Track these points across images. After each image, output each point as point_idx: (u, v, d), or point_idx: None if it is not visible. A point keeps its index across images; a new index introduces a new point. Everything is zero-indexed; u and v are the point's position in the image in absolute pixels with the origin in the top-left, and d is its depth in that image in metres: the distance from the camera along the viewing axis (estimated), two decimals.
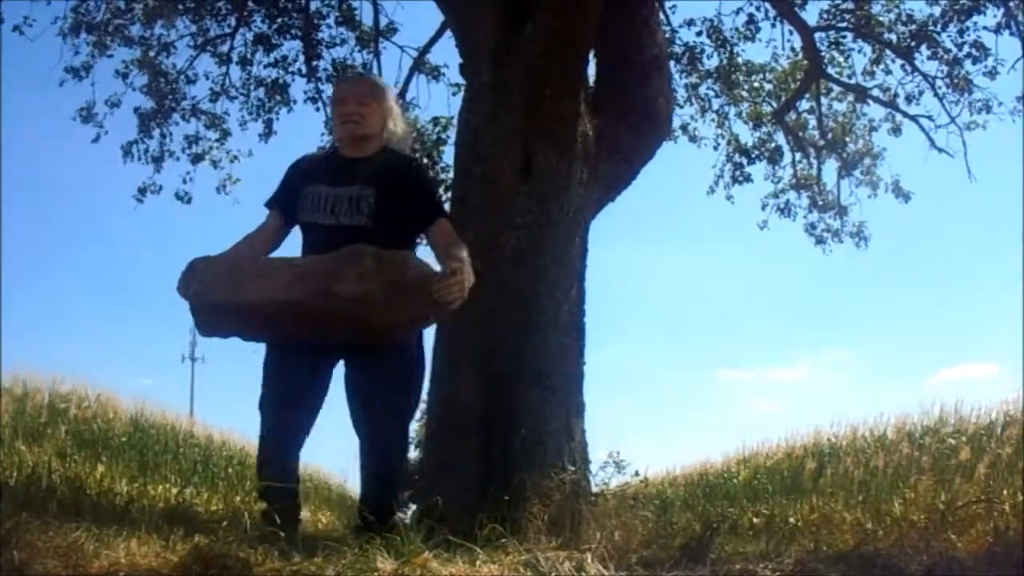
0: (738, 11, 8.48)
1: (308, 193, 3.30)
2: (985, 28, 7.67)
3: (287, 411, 3.21)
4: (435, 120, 8.44)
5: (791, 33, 8.53)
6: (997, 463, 5.51)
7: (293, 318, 3.04)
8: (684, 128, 9.15)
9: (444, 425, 4.19)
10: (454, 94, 8.37)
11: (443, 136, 8.39)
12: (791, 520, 4.55)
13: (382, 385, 3.17)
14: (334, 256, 3.02)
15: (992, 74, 7.93)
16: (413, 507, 4.22)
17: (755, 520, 5.32)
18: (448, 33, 7.18)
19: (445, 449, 4.15)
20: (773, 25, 8.52)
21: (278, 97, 8.47)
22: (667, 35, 7.77)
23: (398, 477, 3.38)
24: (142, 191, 8.62)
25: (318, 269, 3.05)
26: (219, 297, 3.09)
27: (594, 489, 4.39)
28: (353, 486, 10.52)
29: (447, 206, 3.81)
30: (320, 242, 3.18)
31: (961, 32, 7.81)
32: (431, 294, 2.96)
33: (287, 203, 3.37)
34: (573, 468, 4.00)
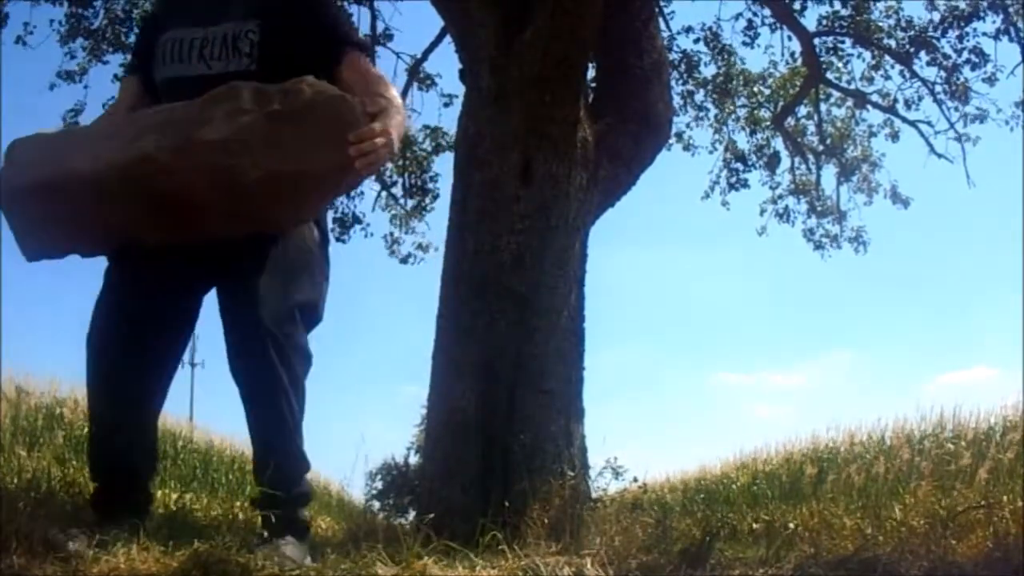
0: (737, 16, 8.51)
1: (165, 41, 2.51)
2: (984, 34, 7.72)
3: (135, 351, 2.37)
4: (429, 129, 8.46)
5: (790, 39, 8.57)
6: (997, 468, 5.50)
7: (143, 203, 2.23)
8: (679, 136, 9.18)
9: (443, 430, 4.19)
10: (446, 104, 8.40)
11: (441, 142, 8.41)
12: (791, 525, 4.53)
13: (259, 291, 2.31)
14: (203, 98, 2.27)
15: (991, 80, 7.96)
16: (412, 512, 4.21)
17: (755, 525, 5.31)
18: (446, 39, 7.21)
19: (444, 454, 4.14)
20: (772, 31, 8.56)
21: None
22: (665, 42, 7.78)
23: (294, 451, 2.45)
24: None
25: (177, 116, 2.26)
26: (36, 176, 2.23)
27: (593, 494, 4.39)
28: (355, 491, 10.50)
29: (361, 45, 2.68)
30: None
31: (960, 38, 7.85)
32: (342, 135, 2.16)
33: (147, 62, 2.58)
34: (572, 473, 3.99)
